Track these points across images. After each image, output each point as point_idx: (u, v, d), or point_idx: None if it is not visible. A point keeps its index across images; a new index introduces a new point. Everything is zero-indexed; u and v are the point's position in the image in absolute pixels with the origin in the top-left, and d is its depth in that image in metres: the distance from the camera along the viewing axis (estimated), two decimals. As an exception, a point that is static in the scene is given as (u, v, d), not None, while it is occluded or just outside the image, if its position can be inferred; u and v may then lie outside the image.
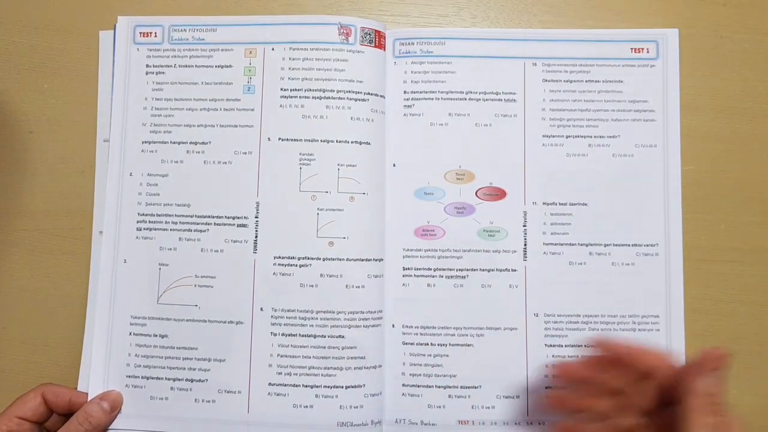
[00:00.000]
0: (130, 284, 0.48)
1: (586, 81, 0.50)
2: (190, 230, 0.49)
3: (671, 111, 0.50)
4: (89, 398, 0.47)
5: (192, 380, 0.48)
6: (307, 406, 0.47)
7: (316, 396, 0.47)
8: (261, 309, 0.48)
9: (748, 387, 0.49)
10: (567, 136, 0.50)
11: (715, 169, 0.50)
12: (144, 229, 0.49)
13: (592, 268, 0.49)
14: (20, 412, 0.44)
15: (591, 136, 0.50)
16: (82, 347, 0.48)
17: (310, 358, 0.47)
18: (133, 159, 0.49)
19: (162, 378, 0.48)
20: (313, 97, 0.49)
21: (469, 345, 0.48)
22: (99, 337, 0.48)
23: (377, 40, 0.50)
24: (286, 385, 0.47)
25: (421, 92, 0.50)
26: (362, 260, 0.48)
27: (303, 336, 0.47)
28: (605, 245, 0.49)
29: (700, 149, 0.50)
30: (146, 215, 0.49)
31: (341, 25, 0.49)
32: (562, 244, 0.49)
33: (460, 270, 0.49)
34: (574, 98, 0.50)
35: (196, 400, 0.47)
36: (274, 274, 0.48)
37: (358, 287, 0.47)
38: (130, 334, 0.48)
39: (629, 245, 0.49)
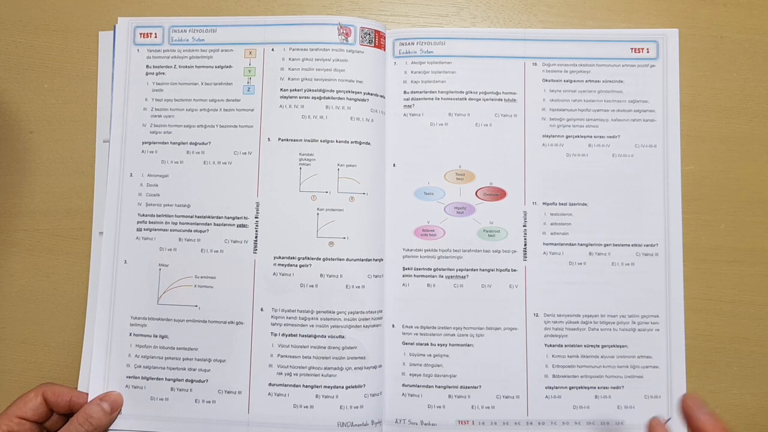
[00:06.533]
0: (130, 285, 0.48)
1: (586, 81, 0.50)
2: (190, 230, 0.49)
3: (671, 111, 0.50)
4: (89, 399, 0.47)
5: (192, 381, 0.48)
6: (307, 407, 0.47)
7: (317, 396, 0.47)
8: (261, 309, 0.48)
9: (748, 387, 0.49)
10: (567, 136, 0.50)
11: (715, 169, 0.50)
12: (144, 229, 0.49)
13: (592, 268, 0.49)
14: (21, 412, 0.44)
15: (591, 136, 0.50)
16: (82, 347, 0.48)
17: (310, 358, 0.47)
18: (133, 159, 0.49)
19: (162, 378, 0.48)
20: (312, 98, 0.49)
21: (469, 345, 0.48)
22: (99, 338, 0.48)
23: (377, 40, 0.49)
24: (286, 386, 0.47)
25: (421, 92, 0.50)
26: (362, 260, 0.48)
27: (303, 336, 0.47)
28: (605, 245, 0.49)
29: (700, 149, 0.50)
30: (146, 216, 0.49)
31: (341, 25, 0.49)
32: (562, 244, 0.49)
33: (460, 270, 0.49)
34: (574, 98, 0.50)
35: (196, 400, 0.47)
36: (274, 274, 0.48)
37: (358, 287, 0.47)
38: (131, 334, 0.48)
39: (629, 245, 0.49)
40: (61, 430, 0.44)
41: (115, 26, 0.50)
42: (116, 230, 0.49)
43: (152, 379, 0.48)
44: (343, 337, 0.47)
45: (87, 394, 0.47)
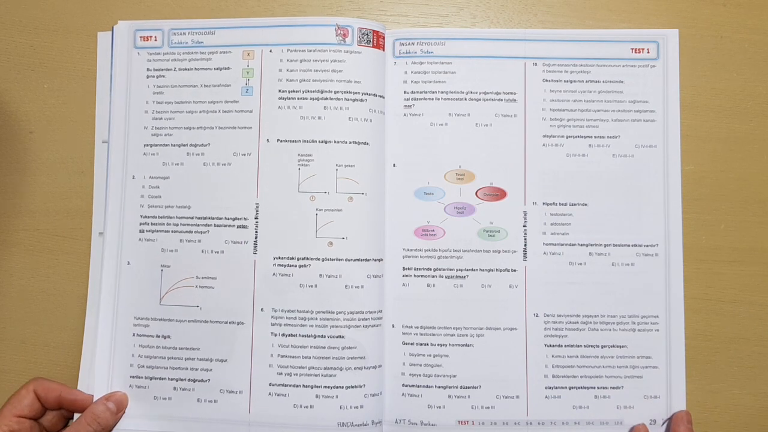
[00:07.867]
0: (133, 286, 0.49)
1: (587, 81, 0.50)
2: (190, 232, 0.49)
3: (671, 111, 0.49)
4: (95, 399, 0.47)
5: (194, 380, 0.48)
6: (307, 407, 0.47)
7: (317, 396, 0.47)
8: (261, 309, 0.48)
9: (748, 387, 0.49)
10: (567, 136, 0.50)
11: (715, 169, 0.50)
12: (146, 231, 0.49)
13: (592, 268, 0.49)
14: (17, 410, 0.44)
15: (591, 137, 0.50)
16: (82, 347, 0.49)
17: (310, 358, 0.47)
18: (135, 162, 0.49)
19: (165, 378, 0.48)
20: (311, 98, 0.49)
21: (469, 345, 0.48)
22: (103, 338, 0.48)
23: (375, 40, 0.49)
24: (286, 386, 0.47)
25: (421, 92, 0.50)
26: (362, 260, 0.48)
27: (303, 336, 0.47)
28: (605, 245, 0.49)
29: (700, 149, 0.50)
30: (148, 217, 0.49)
31: (338, 26, 0.49)
32: (562, 244, 0.49)
33: (460, 270, 0.49)
34: (575, 98, 0.50)
35: (198, 400, 0.48)
36: (274, 274, 0.48)
37: (358, 287, 0.48)
38: (134, 335, 0.48)
39: (629, 245, 0.49)
40: (68, 430, 0.45)
41: (113, 27, 0.50)
42: (119, 232, 0.49)
43: (155, 378, 0.48)
44: (342, 337, 0.47)
45: (78, 390, 0.47)
